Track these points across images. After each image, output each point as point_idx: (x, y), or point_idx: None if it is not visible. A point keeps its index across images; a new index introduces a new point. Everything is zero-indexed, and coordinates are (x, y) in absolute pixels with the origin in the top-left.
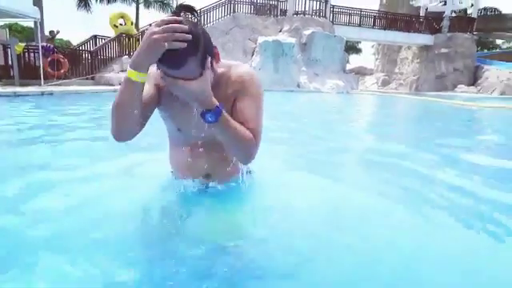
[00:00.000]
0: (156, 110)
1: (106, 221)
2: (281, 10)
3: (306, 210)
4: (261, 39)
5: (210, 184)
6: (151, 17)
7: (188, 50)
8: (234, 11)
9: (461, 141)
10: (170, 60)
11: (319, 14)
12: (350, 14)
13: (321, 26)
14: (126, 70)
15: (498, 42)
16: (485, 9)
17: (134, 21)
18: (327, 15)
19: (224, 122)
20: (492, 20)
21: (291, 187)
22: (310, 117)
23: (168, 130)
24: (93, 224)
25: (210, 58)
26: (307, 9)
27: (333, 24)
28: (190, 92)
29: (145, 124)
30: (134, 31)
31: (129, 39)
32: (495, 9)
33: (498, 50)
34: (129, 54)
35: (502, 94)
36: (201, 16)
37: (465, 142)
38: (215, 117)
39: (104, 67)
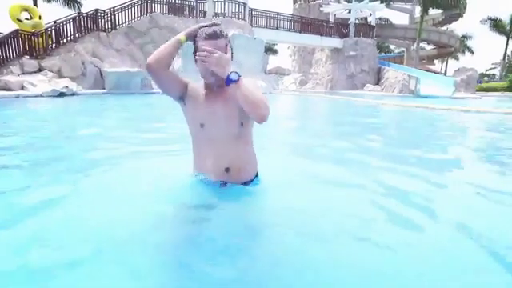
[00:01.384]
0: (181, 113)
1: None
2: (200, 11)
3: None
4: None
5: (228, 184)
6: (53, 11)
7: (222, 32)
8: (151, 11)
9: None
10: (214, 34)
11: (238, 16)
12: (267, 17)
13: (241, 28)
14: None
15: (392, 46)
16: (380, 19)
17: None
18: (246, 18)
19: (243, 83)
20: (386, 28)
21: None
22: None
23: (191, 129)
24: (117, 222)
25: (230, 45)
26: (226, 11)
27: (252, 26)
28: (223, 59)
29: (168, 72)
30: (44, 26)
31: (29, 37)
32: (387, 19)
33: (392, 54)
34: (31, 54)
35: (400, 92)
36: (114, 15)
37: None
38: (238, 76)
39: None
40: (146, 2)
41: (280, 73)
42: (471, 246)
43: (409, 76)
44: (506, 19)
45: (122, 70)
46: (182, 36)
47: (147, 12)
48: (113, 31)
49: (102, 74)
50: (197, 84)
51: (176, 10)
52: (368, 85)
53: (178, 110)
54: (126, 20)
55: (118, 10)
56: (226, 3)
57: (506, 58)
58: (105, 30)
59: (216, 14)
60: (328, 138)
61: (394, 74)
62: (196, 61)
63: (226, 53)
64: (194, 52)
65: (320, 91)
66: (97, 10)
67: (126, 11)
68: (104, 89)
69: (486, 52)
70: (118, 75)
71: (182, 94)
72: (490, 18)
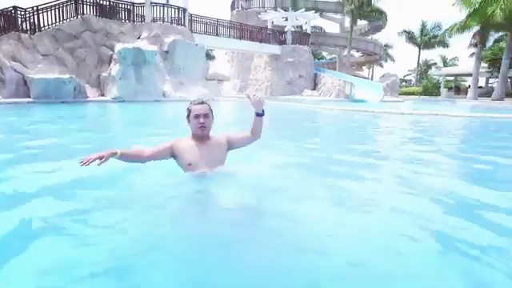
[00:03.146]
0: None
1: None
2: (137, 15)
3: None
4: (119, 46)
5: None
6: None
7: (205, 101)
8: (83, 13)
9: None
10: (201, 101)
11: (178, 21)
12: (207, 24)
13: (181, 34)
14: None
15: (324, 53)
16: (314, 27)
17: None
18: (186, 24)
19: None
20: (320, 36)
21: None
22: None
23: (180, 165)
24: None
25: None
26: (165, 16)
27: (192, 32)
28: (262, 100)
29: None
30: None
31: None
32: (321, 27)
33: (325, 60)
34: None
35: (337, 97)
36: (38, 15)
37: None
38: (264, 112)
39: None
40: (76, 3)
41: (218, 79)
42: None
43: (344, 82)
44: (417, 32)
45: (51, 77)
46: (125, 151)
47: (77, 14)
48: (37, 33)
49: (25, 81)
50: (184, 138)
51: (110, 13)
52: (306, 90)
53: (121, 120)
54: (53, 21)
55: (42, 9)
56: (165, 8)
57: (419, 66)
58: (27, 31)
59: (154, 19)
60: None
61: (330, 79)
62: (189, 121)
63: (211, 114)
64: (188, 116)
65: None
66: (15, 8)
67: (52, 11)
68: (29, 97)
69: (404, 60)
70: (46, 82)
71: (172, 154)
72: (405, 31)
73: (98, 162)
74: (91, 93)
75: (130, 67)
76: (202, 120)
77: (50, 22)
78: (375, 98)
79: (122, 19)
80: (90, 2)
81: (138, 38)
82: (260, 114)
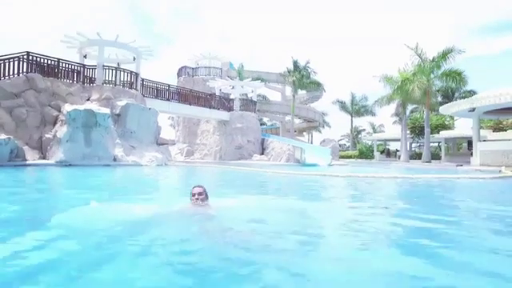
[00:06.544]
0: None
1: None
2: (86, 76)
3: None
4: (69, 107)
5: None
6: None
7: (201, 186)
8: (28, 71)
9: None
10: (199, 186)
11: (130, 85)
12: (157, 89)
13: (133, 97)
14: None
15: (265, 119)
16: (259, 95)
17: None
18: (138, 88)
19: None
20: (264, 104)
21: None
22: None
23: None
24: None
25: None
26: (117, 79)
27: (143, 96)
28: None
29: None
30: None
31: None
32: (264, 96)
33: (268, 126)
34: None
35: (287, 161)
36: None
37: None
38: None
39: None
40: (20, 60)
41: (163, 143)
42: None
43: (293, 147)
44: (348, 102)
45: None
46: None
47: (21, 72)
48: None
49: None
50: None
51: (58, 73)
52: (255, 155)
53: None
54: None
55: None
56: (118, 71)
57: (352, 131)
58: None
59: (105, 82)
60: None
61: (279, 144)
62: (191, 198)
63: (205, 194)
64: (190, 194)
65: (210, 161)
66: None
67: None
68: None
69: (338, 126)
70: None
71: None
72: (338, 101)
73: None
74: (30, 155)
75: (79, 129)
76: (196, 197)
77: None
78: (324, 162)
79: (70, 80)
80: (36, 60)
81: (88, 99)
82: None
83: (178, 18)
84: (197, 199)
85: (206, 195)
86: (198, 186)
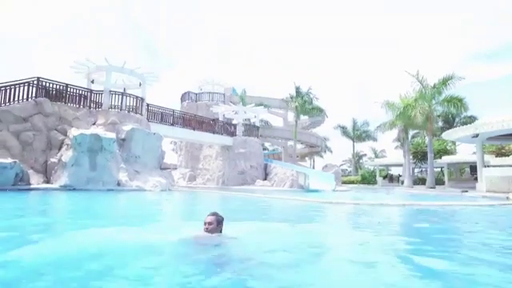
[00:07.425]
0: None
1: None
2: (92, 101)
3: None
4: (75, 131)
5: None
6: None
7: (215, 213)
8: (37, 96)
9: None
10: (212, 213)
11: (136, 110)
12: (162, 114)
13: (138, 122)
14: None
15: (267, 144)
16: (261, 120)
17: None
18: (143, 112)
19: None
20: (267, 129)
21: None
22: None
23: None
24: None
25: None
26: (123, 104)
27: (148, 121)
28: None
29: None
30: None
31: None
32: (267, 121)
33: (270, 151)
34: None
35: (291, 187)
36: None
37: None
38: None
39: None
40: (30, 86)
41: (166, 168)
42: None
43: (297, 172)
44: (350, 127)
45: None
46: None
47: (30, 96)
48: None
49: None
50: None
51: (66, 98)
52: (258, 180)
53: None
54: (4, 102)
55: None
56: (124, 96)
57: (354, 156)
58: None
59: (111, 106)
60: None
61: (282, 170)
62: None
63: (216, 223)
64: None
65: (213, 186)
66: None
67: (3, 92)
68: None
69: (339, 151)
70: None
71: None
72: (340, 126)
73: None
74: (35, 179)
75: (84, 154)
76: (206, 226)
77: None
78: (328, 187)
79: (77, 104)
80: (45, 86)
81: (93, 124)
82: None
83: (178, 42)
84: (206, 229)
85: (218, 223)
86: (211, 215)
